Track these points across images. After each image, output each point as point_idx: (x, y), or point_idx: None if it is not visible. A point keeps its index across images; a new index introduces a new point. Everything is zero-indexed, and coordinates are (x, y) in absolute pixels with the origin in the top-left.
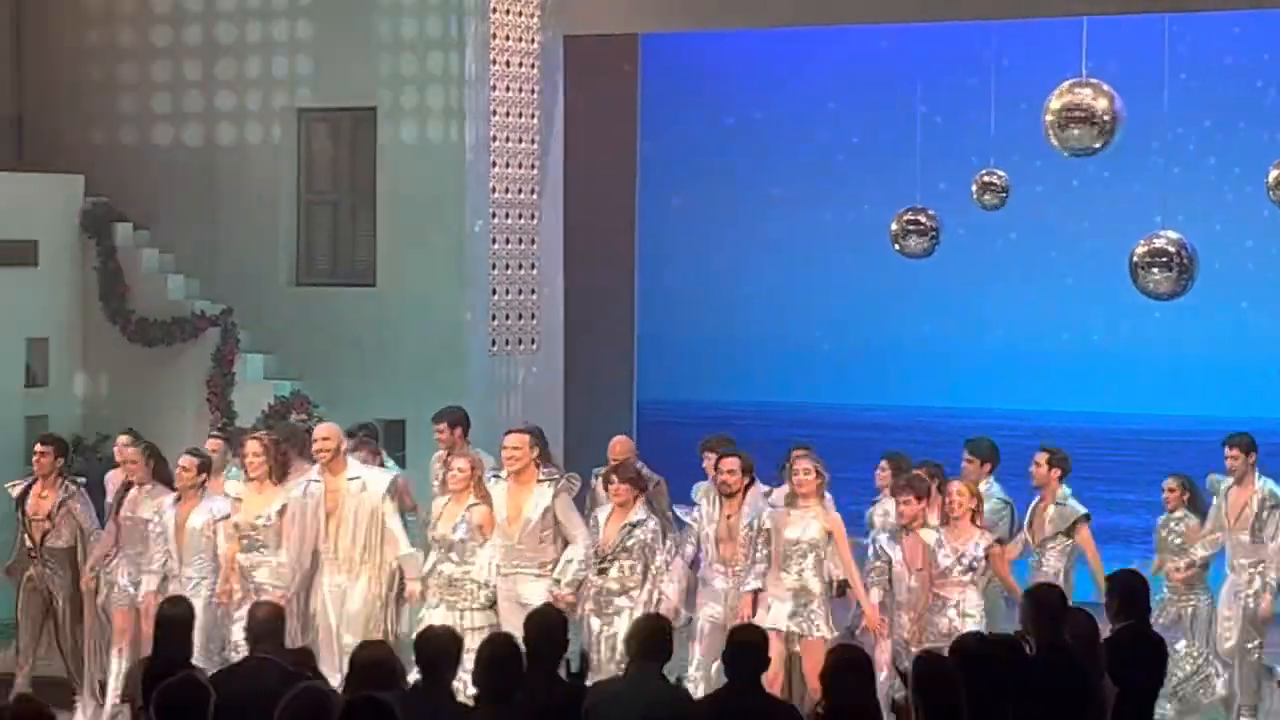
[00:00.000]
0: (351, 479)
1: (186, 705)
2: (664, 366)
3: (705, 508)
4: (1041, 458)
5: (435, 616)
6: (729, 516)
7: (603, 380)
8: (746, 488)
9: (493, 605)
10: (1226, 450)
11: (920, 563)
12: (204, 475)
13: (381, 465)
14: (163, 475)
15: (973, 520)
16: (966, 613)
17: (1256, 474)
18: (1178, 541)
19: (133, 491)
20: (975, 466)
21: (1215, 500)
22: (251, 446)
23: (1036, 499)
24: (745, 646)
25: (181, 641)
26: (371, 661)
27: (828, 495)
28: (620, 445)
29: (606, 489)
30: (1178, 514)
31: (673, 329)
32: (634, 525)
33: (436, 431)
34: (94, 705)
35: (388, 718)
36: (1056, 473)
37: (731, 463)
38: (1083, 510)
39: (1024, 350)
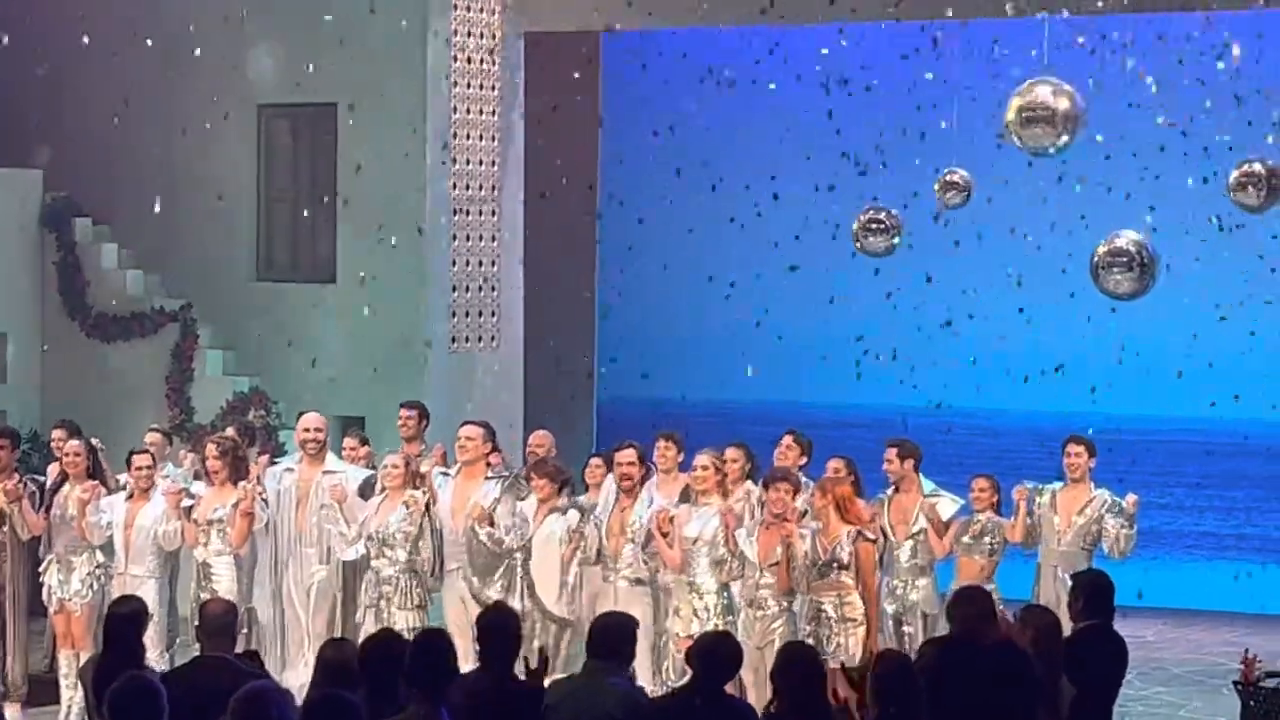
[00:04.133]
0: (328, 472)
1: (139, 707)
2: (625, 364)
3: (602, 501)
4: (892, 452)
5: (369, 619)
6: (624, 510)
7: (563, 377)
8: (643, 479)
9: (423, 605)
10: (1070, 448)
11: (773, 557)
12: (153, 470)
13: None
14: (97, 472)
15: (843, 518)
16: (847, 616)
17: (1091, 479)
18: (988, 540)
19: (65, 489)
20: (795, 454)
21: (1037, 504)
22: (210, 449)
23: (893, 490)
24: (718, 652)
25: (132, 640)
26: (338, 660)
27: (753, 487)
28: (540, 439)
29: (528, 483)
30: (984, 515)
31: (634, 326)
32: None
33: (404, 417)
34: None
35: (352, 716)
36: (910, 464)
37: (629, 454)
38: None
39: (986, 349)
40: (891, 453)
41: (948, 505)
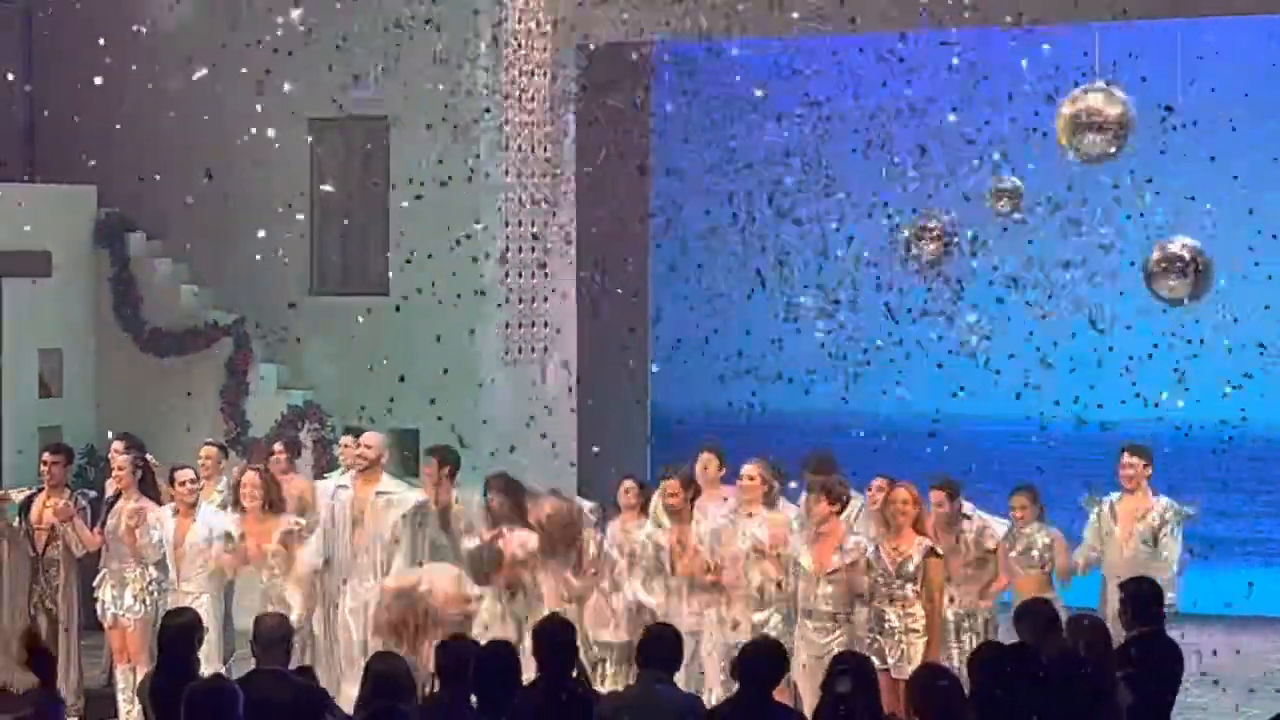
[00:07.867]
0: (380, 493)
1: (217, 708)
2: (679, 373)
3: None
4: (940, 495)
5: None
6: (681, 533)
7: (617, 386)
8: (691, 501)
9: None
10: (1125, 458)
11: (830, 566)
12: (199, 485)
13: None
14: (147, 487)
15: (915, 527)
16: (911, 627)
17: (1150, 487)
18: (1035, 553)
19: (119, 504)
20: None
21: (1093, 515)
22: (250, 478)
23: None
24: (758, 656)
25: (186, 652)
26: (387, 673)
27: (786, 502)
28: (706, 460)
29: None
30: (1029, 529)
31: (687, 335)
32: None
33: (426, 467)
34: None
35: None
36: (957, 504)
37: (672, 484)
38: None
39: (1040, 356)
40: (940, 495)
41: (997, 530)
